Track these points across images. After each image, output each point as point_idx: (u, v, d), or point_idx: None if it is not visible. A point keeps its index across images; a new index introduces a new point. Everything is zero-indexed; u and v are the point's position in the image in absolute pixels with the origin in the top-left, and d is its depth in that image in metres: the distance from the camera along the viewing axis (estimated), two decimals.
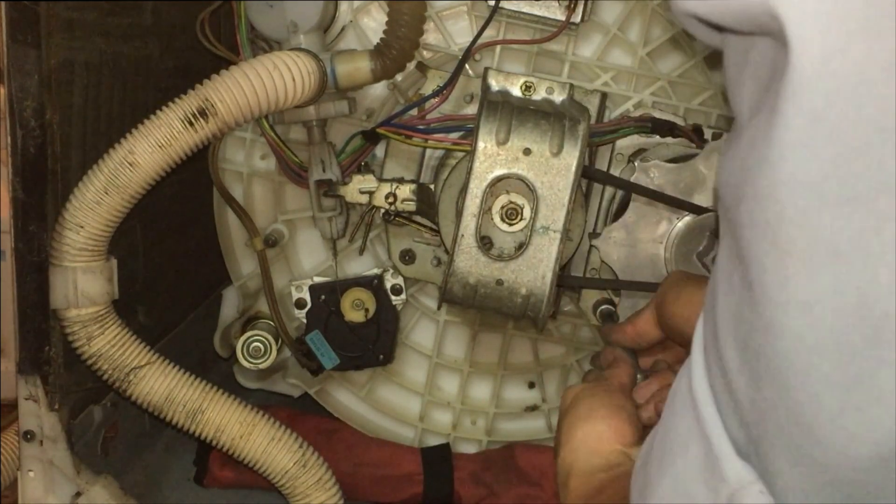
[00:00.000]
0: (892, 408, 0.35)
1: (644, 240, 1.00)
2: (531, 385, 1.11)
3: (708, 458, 0.43)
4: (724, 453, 0.42)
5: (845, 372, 0.36)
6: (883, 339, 0.34)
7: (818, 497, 0.40)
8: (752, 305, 0.38)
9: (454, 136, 0.99)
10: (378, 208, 1.01)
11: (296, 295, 1.06)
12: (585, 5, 0.99)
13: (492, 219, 0.90)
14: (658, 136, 1.01)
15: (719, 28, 0.40)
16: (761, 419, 0.40)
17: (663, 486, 0.46)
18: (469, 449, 1.11)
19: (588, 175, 0.99)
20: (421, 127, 0.99)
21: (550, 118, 0.89)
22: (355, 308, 1.05)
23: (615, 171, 1.02)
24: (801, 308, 0.36)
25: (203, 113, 0.86)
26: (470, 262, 0.90)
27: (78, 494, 0.91)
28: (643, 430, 0.64)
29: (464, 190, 0.90)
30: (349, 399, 1.12)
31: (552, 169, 0.88)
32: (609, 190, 1.04)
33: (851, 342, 0.35)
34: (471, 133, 0.98)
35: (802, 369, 0.37)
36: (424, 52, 1.03)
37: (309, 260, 1.09)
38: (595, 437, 0.64)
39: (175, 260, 1.14)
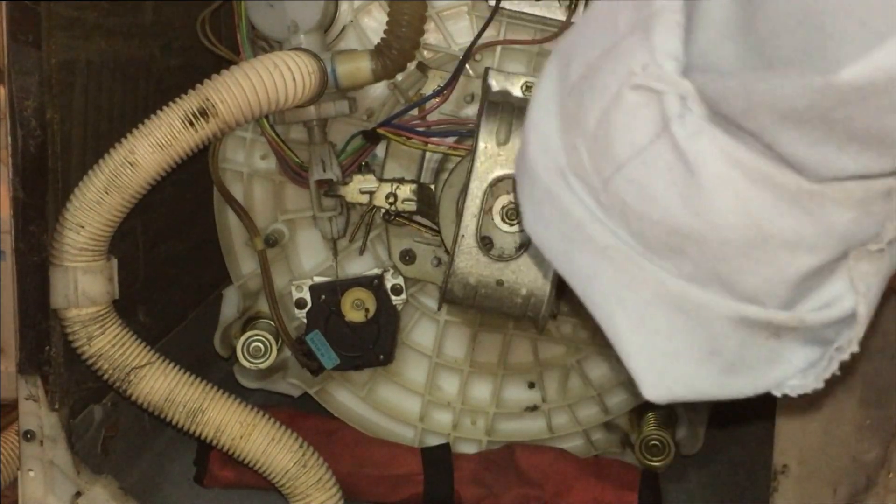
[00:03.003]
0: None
1: None
2: (531, 385, 1.11)
3: None
4: None
5: None
6: None
7: (724, 41, 0.39)
8: None
9: (450, 140, 0.99)
10: (378, 208, 1.01)
11: (296, 295, 1.06)
12: (586, 5, 0.99)
13: (492, 219, 0.90)
14: None
15: None
16: None
17: (598, 7, 0.46)
18: (469, 449, 1.11)
19: None
20: (420, 129, 0.99)
21: None
22: (355, 308, 1.05)
23: None
24: None
25: (203, 113, 0.86)
26: (470, 263, 0.90)
27: (78, 494, 0.91)
28: None
29: (464, 190, 0.90)
30: (349, 399, 1.12)
31: None
32: None
33: None
34: (469, 136, 0.99)
35: None
36: (425, 52, 1.03)
37: (309, 260, 1.09)
38: None
39: (175, 260, 1.14)
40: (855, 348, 0.45)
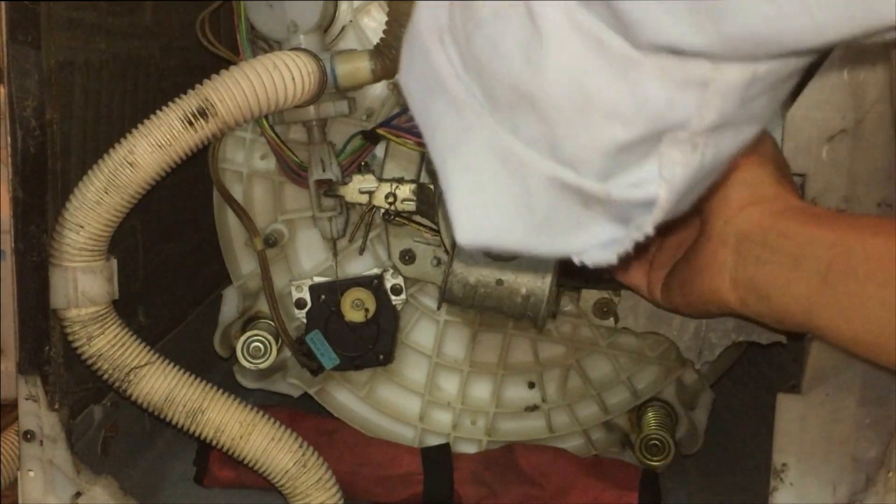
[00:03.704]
0: None
1: None
2: (531, 385, 1.11)
3: None
4: None
5: None
6: None
7: None
8: None
9: None
10: (378, 208, 1.01)
11: (296, 295, 1.06)
12: None
13: None
14: None
15: None
16: None
17: None
18: (469, 449, 1.11)
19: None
20: (419, 131, 0.99)
21: None
22: (355, 308, 1.05)
23: None
24: None
25: (203, 113, 0.86)
26: (470, 262, 0.90)
27: (78, 494, 0.91)
28: None
29: None
30: (349, 399, 1.12)
31: None
32: None
33: None
34: None
35: None
36: None
37: (309, 260, 1.09)
38: None
39: (175, 260, 1.14)
40: (649, 230, 0.47)
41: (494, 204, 0.48)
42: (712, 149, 0.45)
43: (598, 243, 0.49)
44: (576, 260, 0.50)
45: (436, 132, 0.50)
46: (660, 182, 0.45)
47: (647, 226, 0.47)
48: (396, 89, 1.03)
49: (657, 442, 1.05)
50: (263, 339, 1.05)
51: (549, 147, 0.45)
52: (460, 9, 0.46)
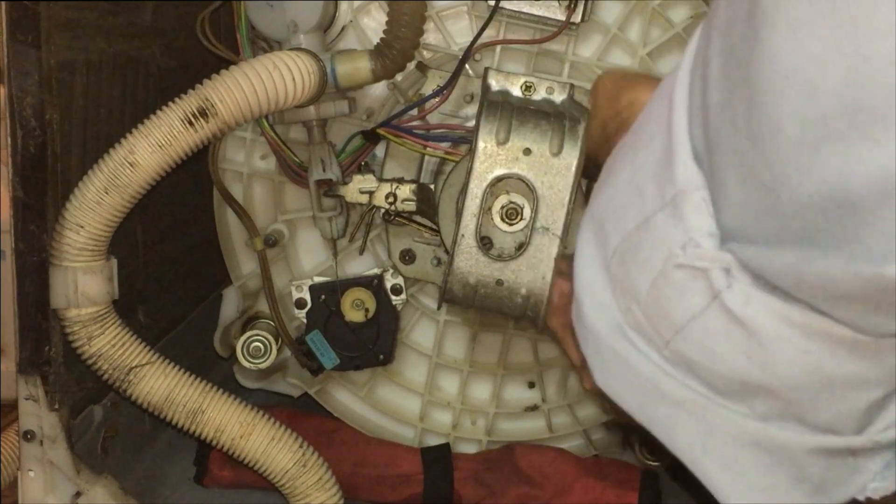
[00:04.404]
0: (847, 154, 0.35)
1: None
2: (531, 385, 1.11)
3: (665, 154, 0.44)
4: (680, 152, 0.43)
5: (815, 108, 0.35)
6: (867, 104, 0.34)
7: (754, 219, 0.40)
8: (747, 17, 0.38)
9: (445, 145, 1.00)
10: (378, 208, 1.01)
11: (296, 295, 1.06)
12: (585, 5, 0.99)
13: (492, 219, 0.89)
14: None
15: None
16: (723, 128, 0.40)
17: (622, 176, 0.48)
18: (469, 449, 1.11)
19: (588, 175, 0.99)
20: (418, 132, 0.99)
21: (550, 118, 0.89)
22: (355, 308, 1.05)
23: None
24: (789, 27, 0.36)
25: (203, 113, 0.86)
26: (470, 262, 0.90)
27: (78, 494, 0.91)
28: None
29: (464, 190, 0.90)
30: (349, 399, 1.12)
31: (552, 169, 0.88)
32: None
33: (832, 78, 0.35)
34: (465, 140, 0.99)
35: (775, 90, 0.37)
36: (424, 52, 1.03)
37: (309, 260, 1.09)
38: None
39: (175, 260, 1.14)
40: None
41: (768, 488, 0.48)
42: None
43: (874, 475, 0.50)
44: (861, 497, 0.51)
45: (674, 436, 0.50)
46: None
47: None
48: (397, 89, 1.03)
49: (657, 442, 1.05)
50: (263, 339, 1.05)
51: (800, 421, 0.45)
52: (645, 314, 0.46)
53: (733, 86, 0.39)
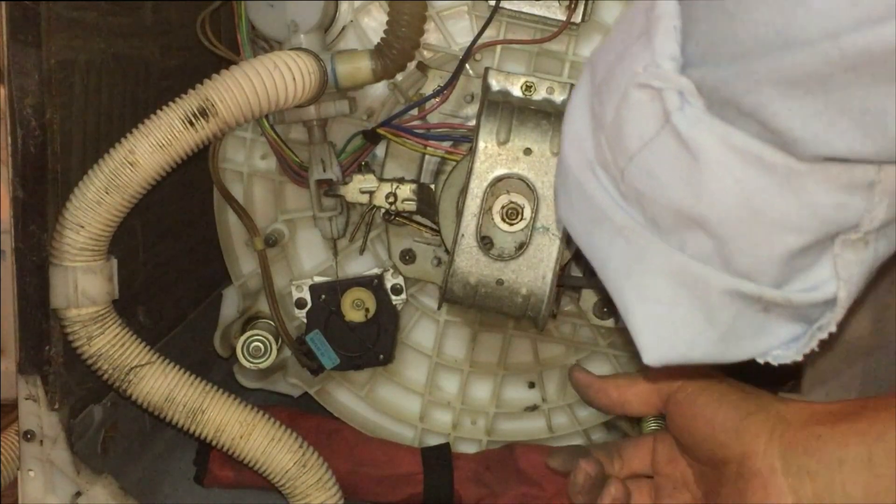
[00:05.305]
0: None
1: None
2: (531, 385, 1.11)
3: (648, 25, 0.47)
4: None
5: None
6: None
7: (713, 44, 0.43)
8: None
9: (446, 144, 1.00)
10: (378, 208, 1.01)
11: (296, 295, 1.06)
12: (586, 5, 0.99)
13: (492, 219, 0.90)
14: None
15: None
16: None
17: (620, 20, 0.52)
18: (469, 449, 1.11)
19: None
20: (419, 132, 0.99)
21: (551, 118, 0.89)
22: (355, 308, 1.05)
23: None
24: None
25: (203, 113, 0.86)
26: (470, 262, 0.90)
27: (78, 494, 0.91)
28: None
29: (464, 190, 0.90)
30: (349, 399, 1.12)
31: (553, 169, 0.88)
32: None
33: None
34: (466, 140, 0.99)
35: None
36: (425, 52, 1.03)
37: (309, 260, 1.09)
38: None
39: (175, 260, 1.14)
40: (833, 329, 0.50)
41: (677, 323, 0.50)
42: (884, 240, 0.46)
43: (780, 343, 0.51)
44: (760, 360, 0.52)
45: (606, 262, 0.51)
46: (838, 283, 0.47)
47: (830, 326, 0.49)
48: (397, 89, 1.03)
49: None
50: (263, 339, 1.05)
51: (723, 261, 0.47)
52: (608, 143, 0.48)
53: None
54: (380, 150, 1.04)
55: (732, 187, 0.44)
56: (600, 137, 0.50)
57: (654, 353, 0.51)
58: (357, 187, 1.00)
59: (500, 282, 0.90)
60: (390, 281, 1.06)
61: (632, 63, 0.48)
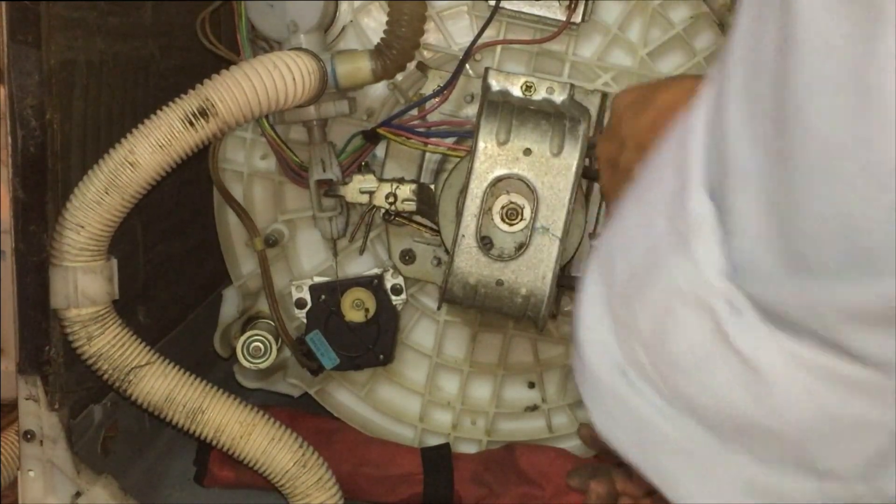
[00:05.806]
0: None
1: None
2: (531, 385, 1.11)
3: (678, 189, 0.43)
4: (694, 187, 0.42)
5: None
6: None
7: (766, 249, 0.39)
8: (778, 25, 0.37)
9: (449, 140, 1.00)
10: (378, 208, 1.01)
11: (296, 295, 1.06)
12: (586, 5, 0.99)
13: (492, 219, 0.90)
14: None
15: None
16: (741, 145, 0.39)
17: (633, 211, 0.47)
18: (469, 449, 1.11)
19: (588, 175, 0.99)
20: (420, 130, 0.99)
21: (551, 118, 0.89)
22: (355, 308, 1.05)
23: None
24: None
25: (203, 113, 0.86)
26: (470, 263, 0.90)
27: (78, 494, 0.91)
28: None
29: (464, 190, 0.90)
30: (349, 399, 1.12)
31: (552, 169, 0.88)
32: None
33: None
34: (467, 137, 0.99)
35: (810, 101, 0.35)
36: (425, 52, 1.03)
37: (309, 260, 1.09)
38: None
39: (175, 260, 1.14)
40: None
41: None
42: None
43: None
44: None
45: (674, 483, 0.48)
46: None
47: None
48: (397, 89, 1.03)
49: None
50: (263, 339, 1.05)
51: (803, 467, 0.44)
52: (647, 355, 0.45)
53: (757, 98, 0.38)
54: (380, 150, 1.04)
55: (807, 400, 0.41)
56: (634, 346, 0.46)
57: None
58: (357, 187, 1.00)
59: (499, 282, 0.90)
60: (390, 281, 1.06)
61: (670, 274, 0.44)
